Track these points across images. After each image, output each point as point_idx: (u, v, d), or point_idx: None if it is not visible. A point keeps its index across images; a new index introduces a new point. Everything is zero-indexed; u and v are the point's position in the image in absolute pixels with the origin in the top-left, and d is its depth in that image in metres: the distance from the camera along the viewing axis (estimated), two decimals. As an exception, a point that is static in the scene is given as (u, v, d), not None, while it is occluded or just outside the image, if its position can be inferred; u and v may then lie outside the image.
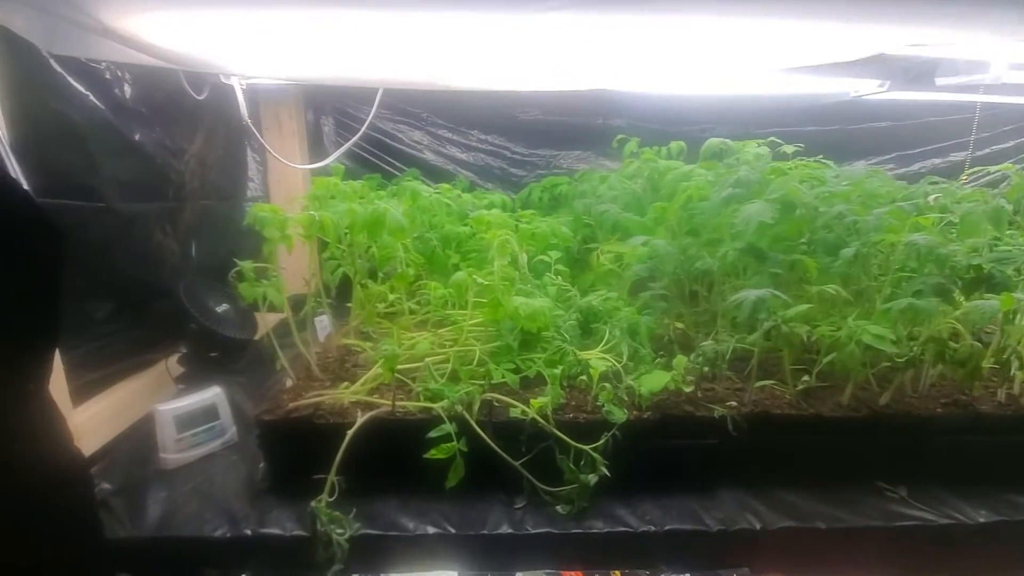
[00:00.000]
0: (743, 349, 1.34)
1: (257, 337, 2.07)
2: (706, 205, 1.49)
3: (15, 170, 0.82)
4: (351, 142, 1.80)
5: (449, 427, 1.13)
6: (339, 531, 1.07)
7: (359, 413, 1.20)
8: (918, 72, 1.71)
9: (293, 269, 1.67)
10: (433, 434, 1.12)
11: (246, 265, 1.25)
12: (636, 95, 2.58)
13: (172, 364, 1.83)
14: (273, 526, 1.13)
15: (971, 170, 2.25)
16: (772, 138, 2.03)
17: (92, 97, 1.44)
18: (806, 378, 1.34)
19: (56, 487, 0.98)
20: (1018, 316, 1.31)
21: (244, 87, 1.69)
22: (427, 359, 1.29)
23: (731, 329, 1.30)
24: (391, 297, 1.34)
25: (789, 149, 1.92)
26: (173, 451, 1.31)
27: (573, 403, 1.29)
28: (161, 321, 1.83)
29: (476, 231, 1.85)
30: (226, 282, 2.13)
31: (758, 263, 1.28)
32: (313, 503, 1.07)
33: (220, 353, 1.87)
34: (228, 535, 1.10)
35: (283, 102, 2.43)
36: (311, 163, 2.41)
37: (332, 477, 1.11)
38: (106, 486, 1.23)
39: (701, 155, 1.96)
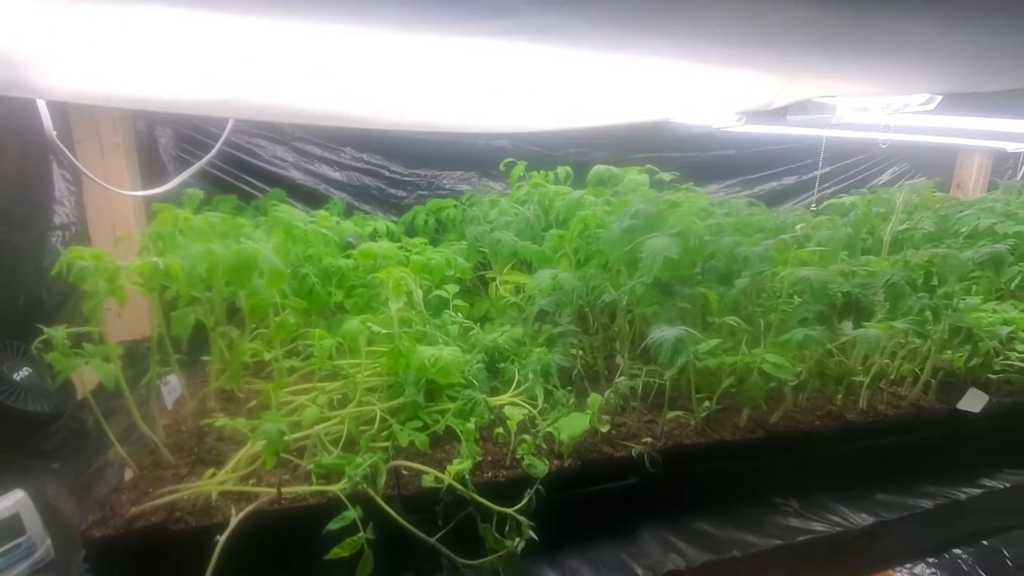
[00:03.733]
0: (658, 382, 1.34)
1: (78, 400, 1.64)
2: (606, 235, 1.48)
3: None
4: (203, 162, 1.48)
5: (353, 513, 0.94)
6: (214, 673, 0.83)
7: (232, 509, 0.96)
8: (776, 112, 1.88)
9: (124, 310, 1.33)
10: (334, 525, 0.93)
11: (56, 332, 0.94)
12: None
13: (-56, 454, 1.37)
14: None
15: (820, 199, 2.58)
16: (649, 165, 2.12)
17: None
18: (707, 404, 1.38)
19: None
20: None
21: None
22: (317, 428, 1.09)
23: (632, 357, 1.29)
24: (268, 356, 1.11)
25: (667, 177, 2.02)
26: (-51, 594, 0.94)
27: (489, 459, 1.18)
28: (-76, 398, 1.35)
29: (359, 264, 1.66)
30: (27, 337, 1.67)
31: (664, 296, 1.29)
32: (175, 643, 0.83)
33: (17, 434, 1.43)
34: None
35: (103, 109, 1.98)
36: (145, 184, 1.99)
37: (200, 602, 0.86)
38: None
39: (588, 181, 1.97)
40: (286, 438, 1.07)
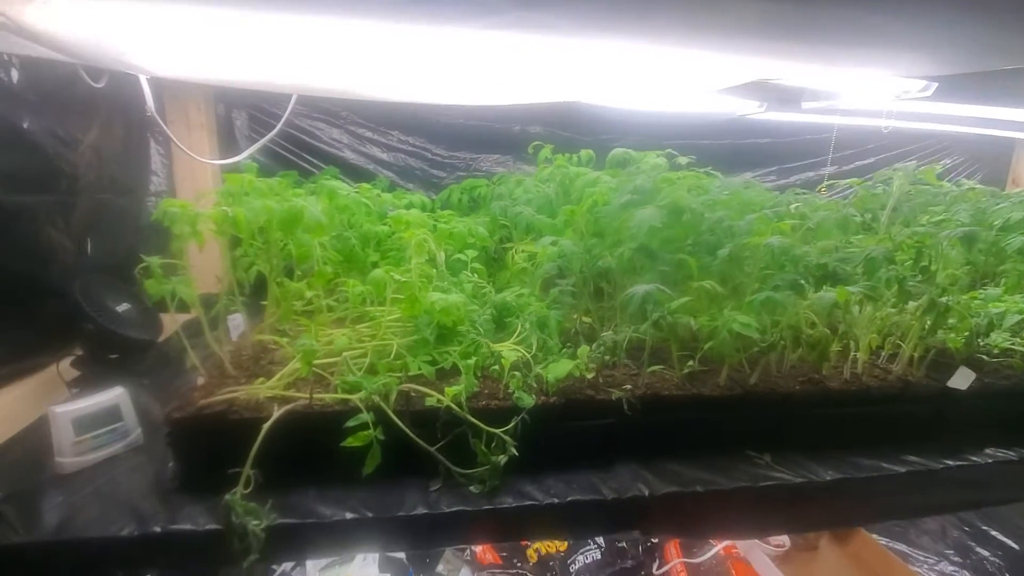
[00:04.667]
0: (641, 339, 1.49)
1: (164, 338, 1.99)
2: (608, 209, 1.64)
3: None
4: (264, 140, 1.78)
5: (366, 416, 1.18)
6: (255, 522, 1.09)
7: (275, 407, 1.22)
8: (788, 97, 1.97)
9: (205, 268, 1.63)
10: (351, 423, 1.17)
11: (153, 260, 1.23)
12: (551, 105, 2.73)
13: (66, 368, 1.73)
14: (185, 522, 1.12)
15: (828, 182, 2.60)
16: (669, 150, 2.24)
17: (-28, 81, 1.34)
18: (691, 363, 1.52)
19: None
20: (857, 307, 1.57)
21: (149, 78, 1.62)
22: (345, 353, 1.33)
23: (629, 321, 1.45)
24: (308, 294, 1.37)
25: (683, 160, 2.13)
26: (71, 454, 1.25)
27: (486, 391, 1.38)
28: (52, 322, 1.72)
29: (395, 230, 1.90)
30: (128, 280, 2.04)
31: (650, 262, 1.44)
32: (227, 496, 1.09)
33: (120, 355, 1.78)
34: (135, 533, 1.09)
35: (191, 94, 2.33)
36: (222, 159, 2.33)
37: (247, 470, 1.12)
38: (-7, 494, 1.16)
39: (607, 163, 2.12)
40: (319, 360, 1.33)
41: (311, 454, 1.26)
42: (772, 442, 1.51)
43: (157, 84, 2.12)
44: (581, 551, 2.60)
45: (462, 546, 2.25)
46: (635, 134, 2.88)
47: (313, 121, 2.60)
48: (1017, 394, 1.63)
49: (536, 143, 2.33)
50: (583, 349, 1.45)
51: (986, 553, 2.89)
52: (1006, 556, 2.83)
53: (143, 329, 1.84)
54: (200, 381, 1.38)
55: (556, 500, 1.25)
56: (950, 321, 1.59)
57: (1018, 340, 1.72)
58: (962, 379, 1.57)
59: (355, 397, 1.22)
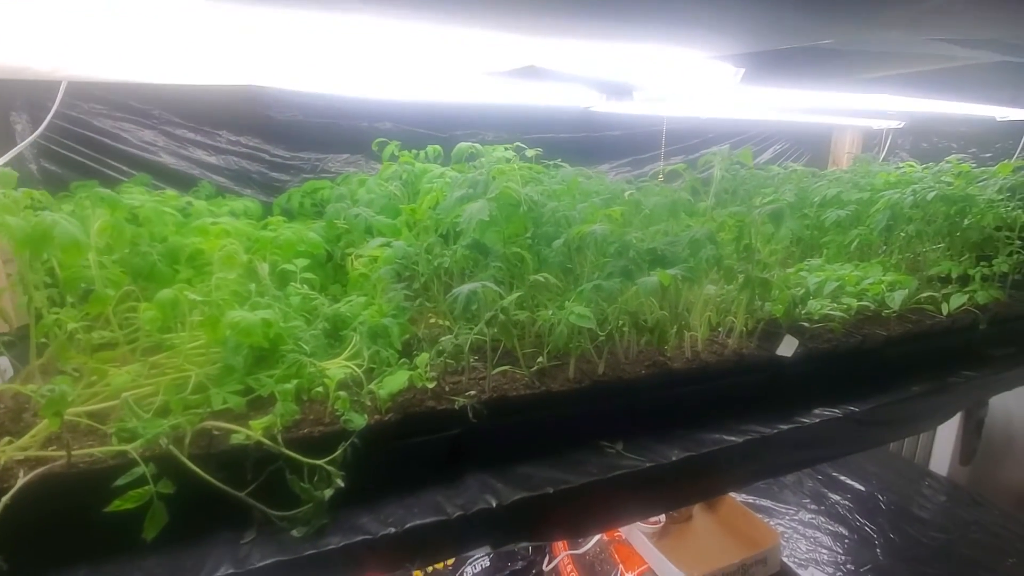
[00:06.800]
0: (493, 338, 1.41)
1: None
2: (445, 205, 1.54)
3: None
4: (28, 140, 1.45)
5: (142, 469, 0.97)
6: (-14, 627, 0.85)
7: (22, 473, 0.97)
8: (624, 90, 2.01)
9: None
10: (121, 481, 0.96)
11: None
12: (402, 100, 2.59)
13: None
14: None
15: (665, 167, 2.75)
16: (518, 143, 2.20)
17: None
18: (540, 359, 1.47)
19: None
20: (696, 286, 1.62)
21: None
22: (126, 394, 1.10)
23: (463, 322, 1.36)
24: (70, 326, 1.12)
25: (530, 153, 2.10)
26: None
27: (311, 417, 1.23)
28: None
29: (210, 242, 1.66)
30: None
31: (484, 258, 1.36)
32: (-59, 601, 0.84)
33: None
34: None
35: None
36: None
37: (-25, 561, 0.88)
38: None
39: (452, 158, 2.03)
40: (92, 406, 1.09)
41: (83, 523, 1.02)
42: (624, 429, 1.51)
43: None
44: (469, 562, 2.51)
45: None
46: (493, 129, 2.84)
47: (117, 122, 2.23)
48: (838, 355, 1.78)
49: (380, 139, 2.19)
50: (422, 357, 1.35)
51: (837, 498, 3.24)
52: (855, 498, 3.20)
53: None
54: (-75, 451, 1.08)
55: (393, 529, 1.13)
56: (775, 293, 1.69)
57: (835, 305, 1.88)
58: (787, 347, 1.67)
59: (130, 447, 1.01)
